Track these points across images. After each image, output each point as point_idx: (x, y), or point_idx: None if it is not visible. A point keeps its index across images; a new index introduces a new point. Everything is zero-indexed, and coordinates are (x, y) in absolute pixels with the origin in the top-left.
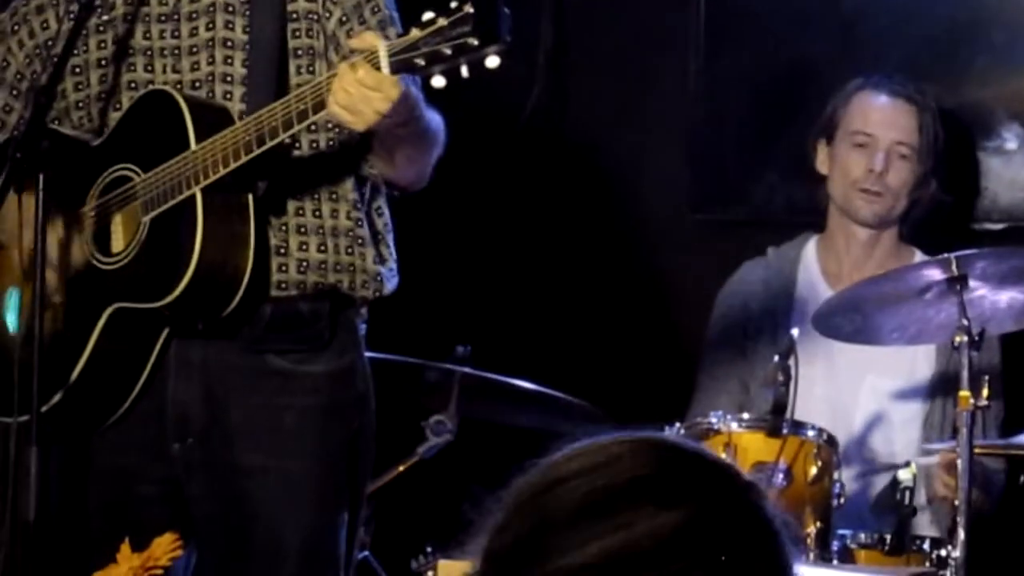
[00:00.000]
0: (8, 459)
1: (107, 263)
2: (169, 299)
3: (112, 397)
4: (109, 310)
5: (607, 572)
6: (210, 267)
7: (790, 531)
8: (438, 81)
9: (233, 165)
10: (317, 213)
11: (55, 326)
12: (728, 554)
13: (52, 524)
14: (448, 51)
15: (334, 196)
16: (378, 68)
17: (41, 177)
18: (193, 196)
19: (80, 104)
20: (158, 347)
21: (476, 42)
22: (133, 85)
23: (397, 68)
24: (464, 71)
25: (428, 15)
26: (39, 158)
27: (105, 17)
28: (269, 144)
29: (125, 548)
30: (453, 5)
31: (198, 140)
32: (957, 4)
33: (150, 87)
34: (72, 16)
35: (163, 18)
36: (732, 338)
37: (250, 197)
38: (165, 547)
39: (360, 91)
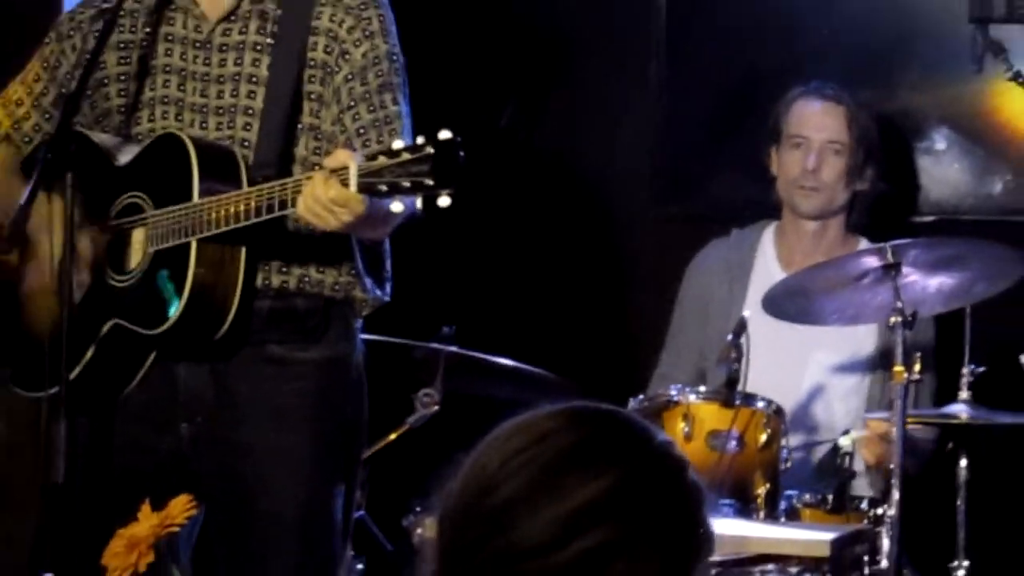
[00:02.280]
0: (39, 430)
1: (116, 279)
2: (157, 331)
3: (115, 384)
4: (109, 324)
5: (558, 538)
6: (197, 308)
7: (700, 482)
8: (396, 207)
9: (224, 228)
10: (320, 243)
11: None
12: (653, 505)
13: (80, 487)
14: (407, 184)
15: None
16: (347, 185)
17: (69, 176)
18: (189, 243)
19: (120, 109)
20: (148, 361)
21: (431, 183)
22: (166, 100)
23: (362, 188)
24: (417, 202)
25: (397, 144)
26: (67, 159)
27: (146, 32)
28: (255, 220)
29: (146, 508)
30: (419, 141)
31: (200, 194)
32: (892, 19)
33: (167, 129)
34: (98, 31)
35: (198, 45)
36: (693, 314)
37: (243, 250)
38: (181, 507)
39: (328, 205)
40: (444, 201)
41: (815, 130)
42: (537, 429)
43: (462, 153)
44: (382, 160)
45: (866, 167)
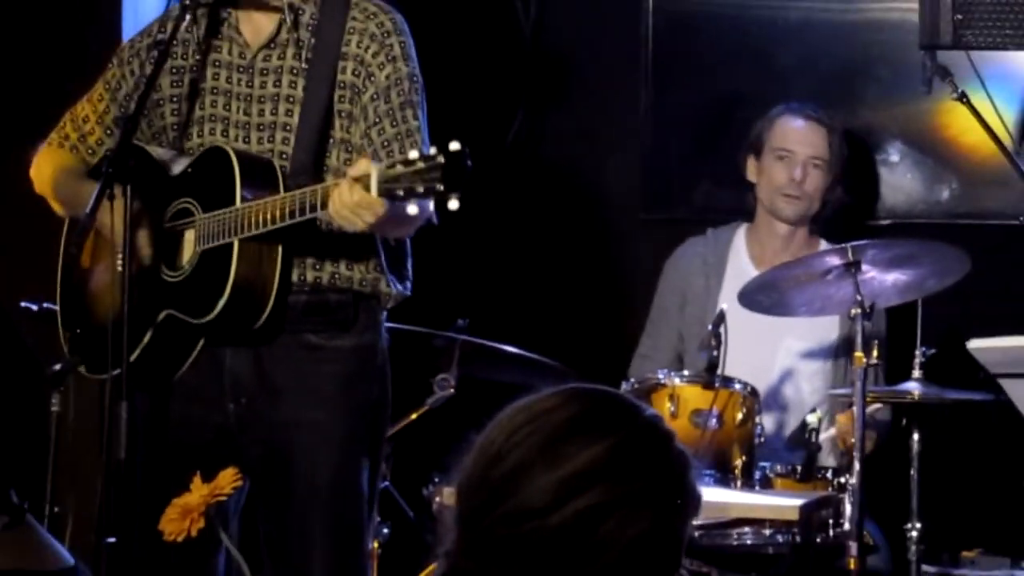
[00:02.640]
0: (103, 408)
1: (169, 275)
2: (205, 320)
3: (169, 366)
4: (163, 313)
5: (557, 498)
6: (238, 299)
7: (686, 451)
8: (412, 209)
9: (262, 230)
10: (349, 242)
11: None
12: (643, 470)
13: (139, 461)
14: (421, 189)
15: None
16: (369, 190)
17: (128, 188)
18: (232, 242)
19: (174, 127)
20: (198, 347)
21: (442, 187)
22: (214, 118)
23: (382, 193)
24: (431, 205)
25: (413, 154)
26: (127, 173)
27: (196, 58)
28: (289, 222)
29: (197, 480)
30: (432, 151)
31: (242, 199)
32: (852, 47)
33: (214, 143)
34: (154, 59)
35: (241, 69)
36: (673, 302)
37: (280, 247)
38: (229, 479)
39: (354, 208)
40: (454, 204)
41: (799, 145)
42: (539, 407)
43: (469, 162)
44: (399, 168)
45: (837, 182)
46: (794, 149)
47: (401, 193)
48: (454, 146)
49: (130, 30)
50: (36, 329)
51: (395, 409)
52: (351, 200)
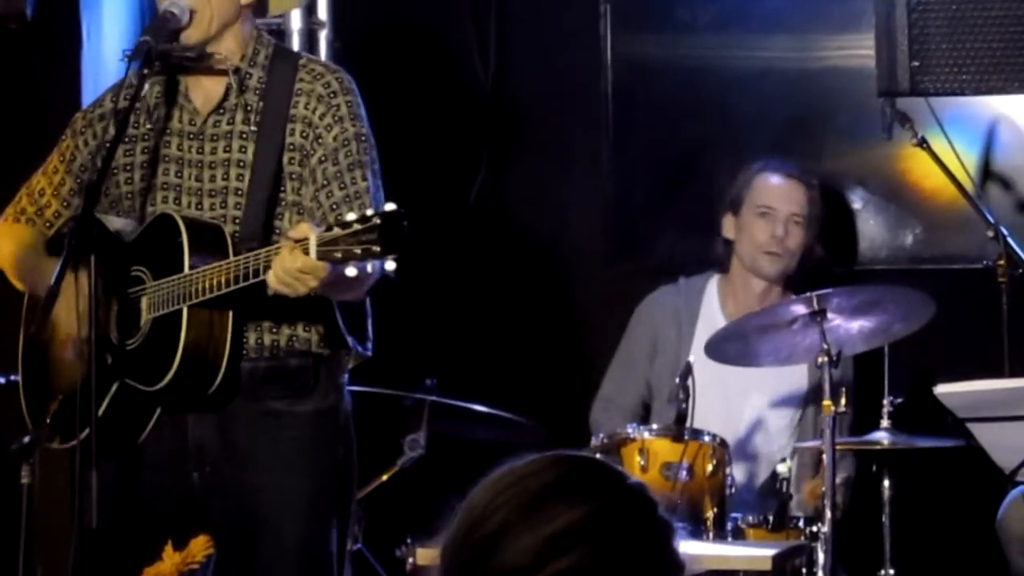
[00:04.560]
0: (72, 477)
1: (123, 343)
2: (158, 387)
3: (129, 434)
4: (119, 382)
5: (536, 560)
6: (190, 365)
7: (668, 515)
8: (350, 271)
9: (210, 295)
10: (305, 304)
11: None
12: (624, 534)
13: (108, 530)
14: (358, 251)
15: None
16: (308, 253)
17: (93, 258)
18: (182, 309)
19: (128, 196)
20: (155, 414)
21: (379, 249)
22: (166, 186)
23: (321, 256)
24: (369, 268)
25: (351, 216)
26: (90, 243)
27: (148, 127)
28: (235, 287)
29: (168, 548)
30: (368, 213)
31: (190, 266)
32: (812, 95)
33: (162, 210)
34: (106, 127)
35: (191, 135)
36: (642, 350)
37: (230, 313)
38: (201, 546)
39: (295, 273)
40: (390, 265)
41: (780, 202)
42: (523, 470)
43: (406, 223)
44: (337, 231)
45: (816, 240)
46: (776, 206)
47: (339, 256)
48: (389, 207)
49: (90, 99)
50: (2, 401)
51: (366, 470)
52: (292, 266)
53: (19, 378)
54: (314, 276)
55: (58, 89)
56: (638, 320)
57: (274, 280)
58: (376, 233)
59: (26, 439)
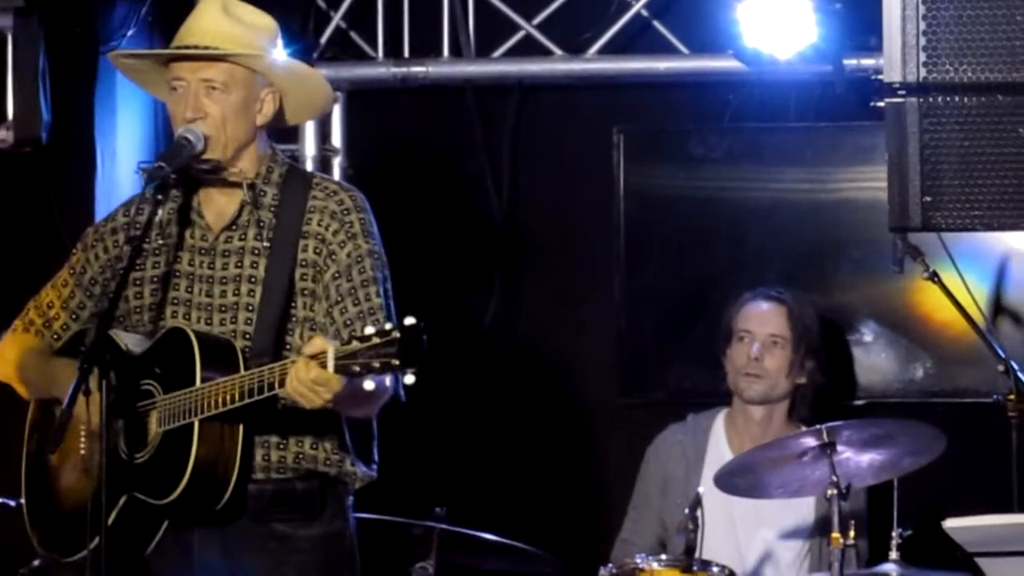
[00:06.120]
0: None
1: (132, 456)
2: (167, 500)
3: (135, 548)
4: (126, 496)
5: None
6: (200, 480)
7: None
8: (368, 385)
9: (222, 409)
10: (313, 421)
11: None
12: None
13: None
14: (377, 365)
15: (325, 411)
16: (325, 367)
17: (105, 383)
18: (193, 423)
19: (137, 310)
20: (162, 528)
21: (398, 363)
22: (176, 301)
23: (338, 369)
24: (388, 381)
25: (369, 330)
26: (104, 367)
27: (160, 242)
28: (248, 400)
29: None
30: (387, 327)
31: (203, 380)
32: (823, 228)
33: (172, 324)
34: (119, 243)
35: (203, 251)
36: (654, 489)
37: (241, 427)
38: None
39: (310, 385)
40: (409, 379)
41: (758, 324)
42: None
43: (425, 337)
44: (355, 344)
45: (806, 361)
46: (752, 329)
47: (357, 369)
48: (409, 321)
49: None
50: (10, 523)
51: None
52: (307, 377)
53: (23, 500)
54: (329, 389)
55: (72, 212)
56: (648, 461)
57: (289, 389)
58: (395, 347)
59: (36, 563)
